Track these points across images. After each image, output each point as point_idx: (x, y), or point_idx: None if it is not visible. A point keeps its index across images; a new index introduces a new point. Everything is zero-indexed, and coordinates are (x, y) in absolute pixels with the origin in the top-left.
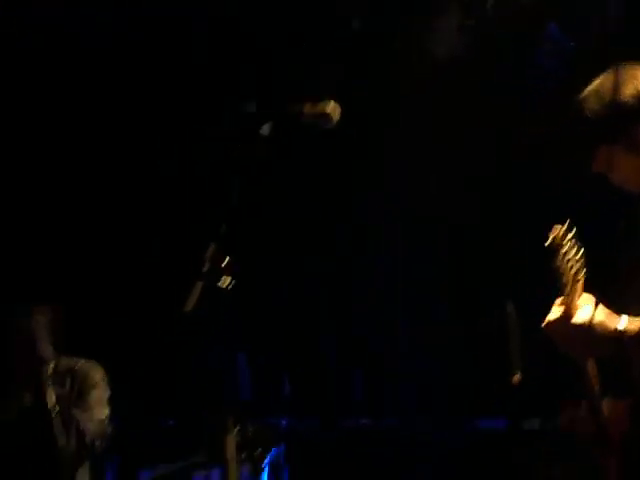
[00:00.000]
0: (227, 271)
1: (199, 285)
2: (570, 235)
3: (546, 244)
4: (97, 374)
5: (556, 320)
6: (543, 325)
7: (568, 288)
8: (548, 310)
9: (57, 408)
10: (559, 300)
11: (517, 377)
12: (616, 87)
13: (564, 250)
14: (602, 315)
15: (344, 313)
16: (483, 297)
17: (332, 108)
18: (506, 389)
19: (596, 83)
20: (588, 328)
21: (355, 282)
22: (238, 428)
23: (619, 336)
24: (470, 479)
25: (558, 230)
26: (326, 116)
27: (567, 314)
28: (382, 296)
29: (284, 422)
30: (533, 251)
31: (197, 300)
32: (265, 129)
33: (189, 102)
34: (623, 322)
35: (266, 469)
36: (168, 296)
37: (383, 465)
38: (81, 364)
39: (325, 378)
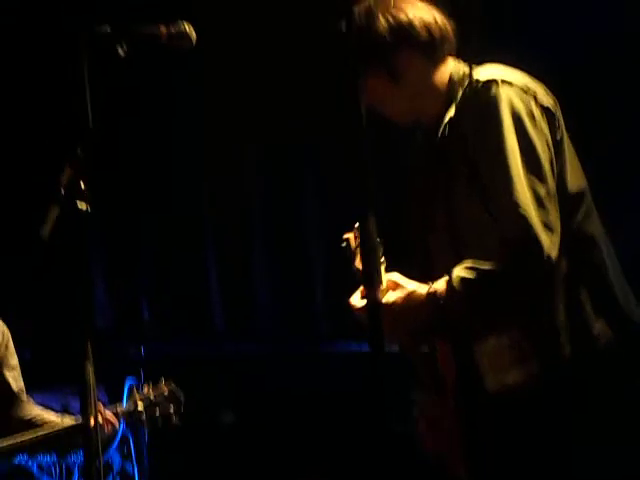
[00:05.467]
0: (84, 195)
1: (55, 209)
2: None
3: (342, 253)
4: None
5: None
6: (353, 311)
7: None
8: None
9: None
10: (358, 291)
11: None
12: (369, 17)
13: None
14: (412, 286)
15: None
16: None
17: (189, 29)
18: None
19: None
20: (402, 302)
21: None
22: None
23: (433, 297)
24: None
25: (350, 237)
26: (186, 36)
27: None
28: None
29: (142, 349)
30: None
31: (53, 224)
32: (121, 50)
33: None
34: (431, 285)
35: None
36: (22, 221)
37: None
38: None
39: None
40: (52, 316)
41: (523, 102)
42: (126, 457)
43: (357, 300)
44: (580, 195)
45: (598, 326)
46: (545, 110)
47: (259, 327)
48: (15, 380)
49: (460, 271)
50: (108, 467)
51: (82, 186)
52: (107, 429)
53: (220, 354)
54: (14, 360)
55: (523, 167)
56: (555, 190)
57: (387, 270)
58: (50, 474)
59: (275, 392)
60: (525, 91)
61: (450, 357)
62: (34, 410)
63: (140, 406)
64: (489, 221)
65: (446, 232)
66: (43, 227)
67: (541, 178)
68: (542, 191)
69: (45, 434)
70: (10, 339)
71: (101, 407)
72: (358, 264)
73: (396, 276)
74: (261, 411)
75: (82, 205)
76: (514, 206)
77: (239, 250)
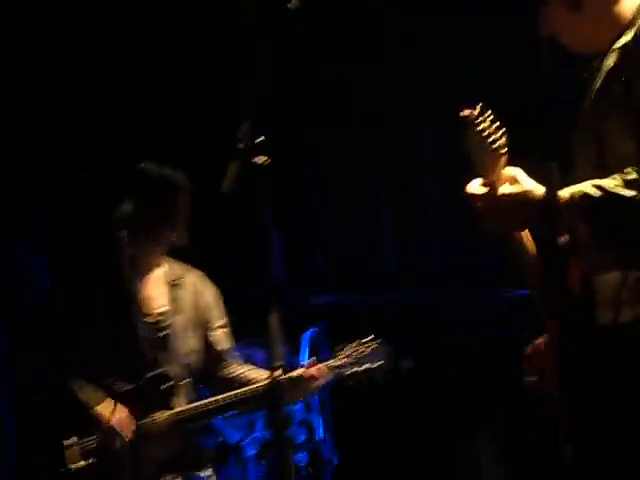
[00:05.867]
0: (262, 149)
1: (234, 164)
2: (486, 114)
3: (460, 116)
4: None
5: (481, 195)
6: (467, 196)
7: (489, 163)
8: None
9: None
10: (478, 179)
11: None
12: None
13: (480, 128)
14: (530, 185)
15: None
16: None
17: None
18: None
19: None
20: (515, 198)
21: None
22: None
23: (549, 201)
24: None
25: (472, 110)
26: None
27: (492, 187)
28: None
29: (322, 299)
30: None
31: (233, 179)
32: (294, 3)
33: None
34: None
35: (306, 348)
36: (204, 175)
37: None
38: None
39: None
40: (234, 269)
41: None
42: (307, 408)
43: (475, 188)
44: None
45: None
46: None
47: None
48: (219, 341)
49: (586, 187)
50: (289, 417)
51: (261, 139)
52: (314, 384)
53: (393, 300)
54: (221, 321)
55: None
56: None
57: (509, 164)
58: (231, 424)
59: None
60: None
61: (579, 280)
62: (238, 369)
63: (347, 362)
64: (636, 158)
65: (594, 163)
66: (224, 182)
67: None
68: None
69: (251, 391)
70: (220, 300)
71: (310, 363)
72: (468, 144)
73: (518, 171)
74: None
75: (261, 159)
76: None
77: None
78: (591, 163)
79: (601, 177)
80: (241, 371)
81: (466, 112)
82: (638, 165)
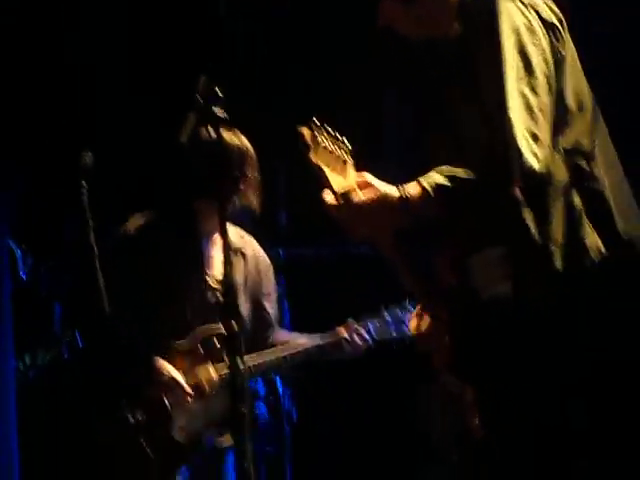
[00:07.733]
0: (219, 102)
1: (192, 117)
2: (322, 129)
3: (299, 140)
4: None
5: (337, 206)
6: (326, 210)
7: (337, 173)
8: None
9: None
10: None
11: None
12: None
13: (318, 141)
14: (383, 187)
15: None
16: None
17: None
18: None
19: None
20: (374, 204)
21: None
22: None
23: (405, 202)
24: None
25: (306, 130)
26: None
27: (347, 197)
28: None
29: (281, 252)
30: None
31: (191, 131)
32: None
33: None
34: (404, 189)
35: None
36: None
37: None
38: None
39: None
40: None
41: (523, 16)
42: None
43: (330, 200)
44: (579, 110)
45: (591, 241)
46: (547, 25)
47: None
48: (272, 308)
49: (437, 177)
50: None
51: (218, 92)
52: (359, 346)
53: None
54: (271, 288)
55: (518, 81)
56: (549, 105)
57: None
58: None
59: None
60: (526, 5)
61: (448, 266)
62: (285, 336)
63: (389, 323)
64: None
65: (450, 144)
66: (182, 133)
67: (535, 92)
68: (534, 103)
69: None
70: (270, 268)
71: (353, 324)
72: (314, 158)
73: (368, 176)
74: None
75: (219, 111)
76: (503, 116)
77: None
78: (445, 150)
79: (455, 165)
80: (289, 337)
81: (302, 131)
82: (489, 157)
